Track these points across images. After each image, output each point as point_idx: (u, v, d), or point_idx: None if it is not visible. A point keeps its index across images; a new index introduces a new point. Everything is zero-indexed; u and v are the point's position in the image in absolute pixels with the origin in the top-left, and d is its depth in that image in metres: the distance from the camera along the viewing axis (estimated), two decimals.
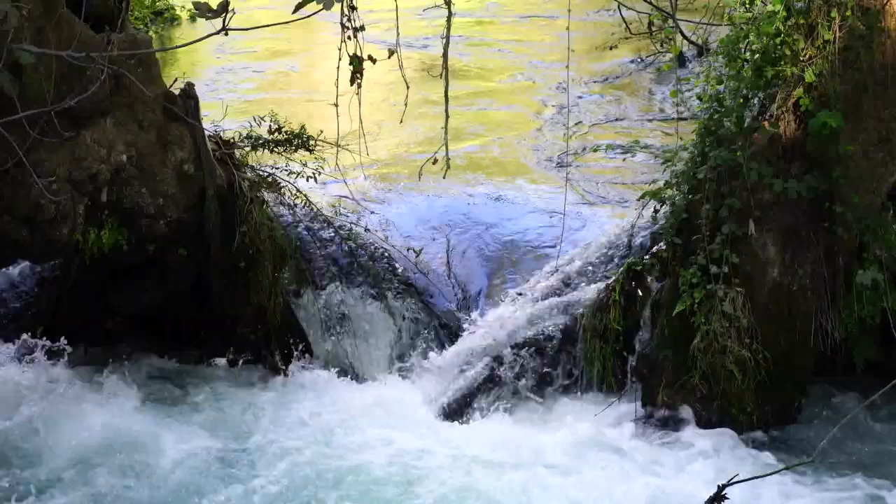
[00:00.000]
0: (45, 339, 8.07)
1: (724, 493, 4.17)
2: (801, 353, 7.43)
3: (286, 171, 8.45)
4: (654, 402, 7.55)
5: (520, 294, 8.45)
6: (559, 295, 8.29)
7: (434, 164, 6.72)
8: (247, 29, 4.81)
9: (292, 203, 8.49)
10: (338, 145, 7.44)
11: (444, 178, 7.04)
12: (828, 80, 7.06)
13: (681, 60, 12.00)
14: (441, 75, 6.43)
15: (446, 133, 6.60)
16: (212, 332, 8.29)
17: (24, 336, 8.16)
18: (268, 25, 5.02)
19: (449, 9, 6.35)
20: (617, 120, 11.46)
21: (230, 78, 13.10)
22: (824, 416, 7.68)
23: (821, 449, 6.65)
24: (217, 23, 4.29)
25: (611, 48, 12.88)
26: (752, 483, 5.33)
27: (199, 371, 8.25)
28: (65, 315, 8.35)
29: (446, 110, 6.56)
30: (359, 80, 6.12)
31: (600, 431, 7.55)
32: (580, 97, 12.01)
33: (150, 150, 7.61)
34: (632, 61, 13.04)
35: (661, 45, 11.93)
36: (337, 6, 4.88)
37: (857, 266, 7.39)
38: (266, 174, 8.41)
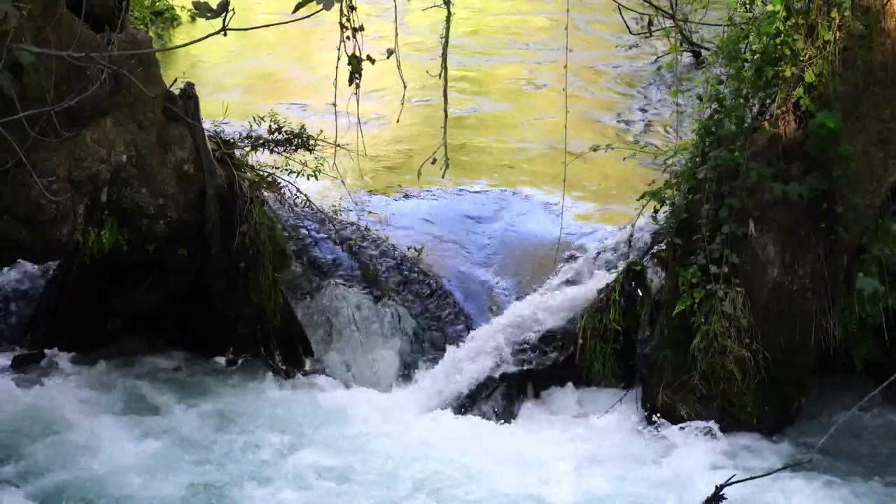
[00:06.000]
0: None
1: (722, 493, 4.17)
2: (801, 352, 7.43)
3: (286, 170, 8.45)
4: (654, 402, 7.54)
5: (520, 294, 8.45)
6: (560, 295, 8.29)
7: (433, 163, 6.71)
8: (246, 29, 4.80)
9: (292, 203, 8.50)
10: (337, 145, 7.44)
11: (443, 177, 7.03)
12: (828, 81, 7.06)
13: (696, 56, 12.02)
14: (440, 75, 6.43)
15: (445, 133, 6.59)
16: (212, 331, 8.30)
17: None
18: (268, 25, 5.01)
19: (448, 8, 6.34)
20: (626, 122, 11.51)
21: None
22: (824, 415, 7.68)
23: (818, 450, 6.63)
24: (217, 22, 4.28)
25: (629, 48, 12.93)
26: (751, 483, 5.33)
27: (200, 371, 8.26)
28: (65, 315, 8.35)
29: (445, 110, 6.55)
30: (357, 81, 6.12)
31: (601, 432, 7.55)
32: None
33: (150, 150, 7.61)
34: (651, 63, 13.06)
35: (682, 45, 11.95)
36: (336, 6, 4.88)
37: (858, 266, 7.39)
38: (266, 174, 8.42)
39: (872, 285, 7.21)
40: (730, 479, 4.09)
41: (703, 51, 11.85)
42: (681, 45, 11.90)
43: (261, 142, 8.35)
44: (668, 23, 10.36)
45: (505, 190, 9.61)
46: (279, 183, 8.43)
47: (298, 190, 8.47)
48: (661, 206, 7.88)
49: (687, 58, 12.14)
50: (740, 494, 4.42)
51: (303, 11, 4.41)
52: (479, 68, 13.25)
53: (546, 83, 12.56)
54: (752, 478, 4.56)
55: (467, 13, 15.21)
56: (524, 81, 12.88)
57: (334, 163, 7.59)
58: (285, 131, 8.43)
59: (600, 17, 14.78)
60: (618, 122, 11.45)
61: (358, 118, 6.43)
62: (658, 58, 12.73)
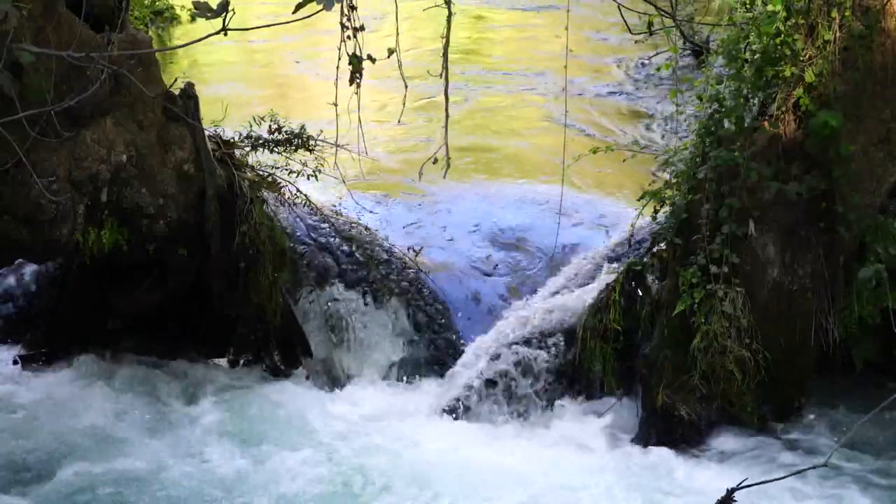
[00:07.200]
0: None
1: (733, 496, 4.12)
2: (802, 352, 7.43)
3: (286, 170, 8.45)
4: (654, 402, 7.54)
5: (520, 294, 8.45)
6: (560, 295, 8.29)
7: (434, 163, 6.71)
8: (247, 29, 4.80)
9: (292, 203, 8.50)
10: (337, 145, 7.43)
11: (444, 177, 7.03)
12: (828, 80, 7.06)
13: (696, 56, 12.02)
14: (441, 75, 6.42)
15: (446, 132, 6.58)
16: (212, 332, 8.30)
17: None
18: (268, 25, 5.02)
19: (449, 8, 6.34)
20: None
21: None
22: (824, 415, 7.68)
23: (832, 453, 6.61)
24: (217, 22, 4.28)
25: (636, 42, 12.90)
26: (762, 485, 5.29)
27: (199, 371, 8.25)
28: (65, 315, 8.35)
29: (446, 109, 6.54)
30: (358, 80, 6.11)
31: (601, 432, 7.55)
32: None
33: (150, 150, 7.62)
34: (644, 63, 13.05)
35: (684, 44, 11.93)
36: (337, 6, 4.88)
37: (858, 266, 7.39)
38: (266, 174, 8.41)
39: (873, 270, 7.19)
40: (741, 483, 4.03)
41: (704, 50, 11.85)
42: (684, 44, 11.92)
43: (261, 142, 8.34)
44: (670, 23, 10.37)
45: (507, 190, 9.61)
46: (279, 183, 8.43)
47: (298, 190, 8.47)
48: (661, 207, 7.88)
49: (691, 60, 12.14)
50: (749, 497, 4.37)
51: (303, 11, 4.41)
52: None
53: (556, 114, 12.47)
54: (764, 482, 4.49)
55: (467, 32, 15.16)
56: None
57: (335, 162, 7.58)
58: (285, 131, 8.42)
59: (596, 35, 14.79)
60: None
61: (359, 118, 6.42)
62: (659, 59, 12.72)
